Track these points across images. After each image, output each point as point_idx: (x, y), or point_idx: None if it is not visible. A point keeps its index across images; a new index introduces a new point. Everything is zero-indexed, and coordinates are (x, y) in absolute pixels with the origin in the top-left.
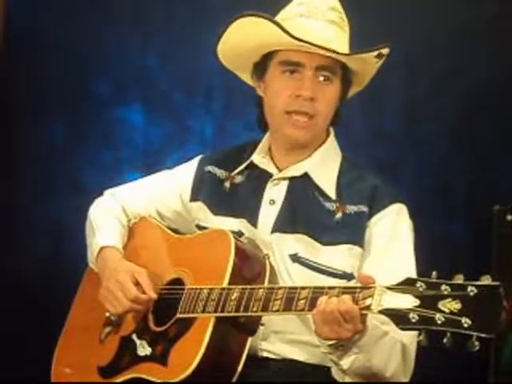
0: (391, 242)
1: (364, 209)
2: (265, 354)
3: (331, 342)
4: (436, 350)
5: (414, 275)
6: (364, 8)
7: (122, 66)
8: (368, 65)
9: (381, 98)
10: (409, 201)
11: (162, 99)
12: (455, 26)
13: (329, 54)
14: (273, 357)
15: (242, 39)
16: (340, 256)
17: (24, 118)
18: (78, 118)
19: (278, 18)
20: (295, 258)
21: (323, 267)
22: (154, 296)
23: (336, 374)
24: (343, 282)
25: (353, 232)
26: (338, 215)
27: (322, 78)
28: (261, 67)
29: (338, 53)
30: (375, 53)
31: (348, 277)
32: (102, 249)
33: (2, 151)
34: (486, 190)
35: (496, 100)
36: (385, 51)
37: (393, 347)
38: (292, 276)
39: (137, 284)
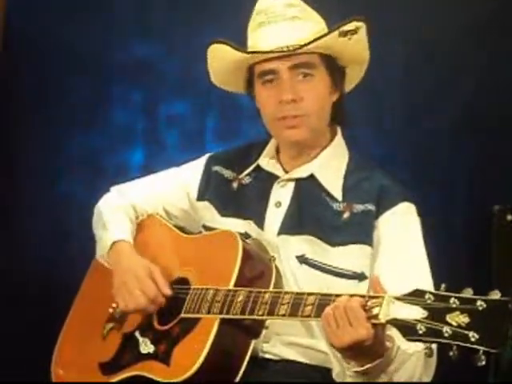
0: (403, 241)
1: (371, 207)
2: (266, 356)
3: (357, 369)
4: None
5: (428, 275)
6: (364, 7)
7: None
8: (342, 45)
9: (381, 98)
10: None
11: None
12: (456, 25)
13: (286, 52)
14: (273, 358)
15: (219, 64)
16: (350, 256)
17: (24, 117)
18: (78, 117)
19: (249, 30)
20: (302, 260)
21: (333, 268)
22: (170, 292)
23: (336, 376)
24: (354, 282)
25: (361, 231)
26: (346, 215)
27: (301, 76)
28: (249, 82)
29: (291, 49)
30: (335, 33)
31: (359, 277)
32: (114, 243)
33: (2, 151)
34: (486, 190)
35: (496, 100)
36: (349, 26)
37: (415, 364)
38: (298, 278)
39: (153, 281)
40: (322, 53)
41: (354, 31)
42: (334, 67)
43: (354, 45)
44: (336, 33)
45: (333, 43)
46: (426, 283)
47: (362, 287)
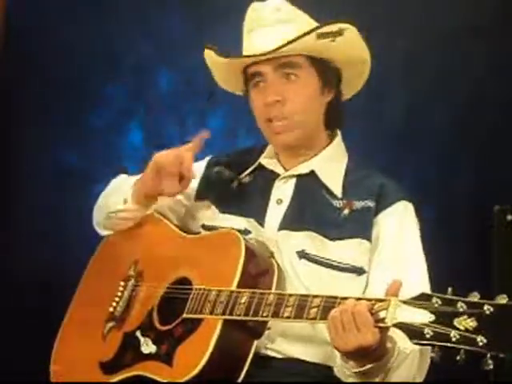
0: (400, 239)
1: (371, 204)
2: (268, 353)
3: (357, 370)
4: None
5: (425, 273)
6: (363, 8)
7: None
8: (323, 47)
9: (381, 98)
10: None
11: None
12: (455, 25)
13: (267, 55)
14: (276, 355)
15: (215, 67)
16: (349, 250)
17: (24, 118)
18: (78, 117)
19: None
20: (302, 254)
21: (332, 262)
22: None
23: (339, 374)
24: (353, 276)
25: (360, 226)
26: (346, 211)
27: (285, 77)
28: (246, 84)
29: (267, 52)
30: (312, 35)
31: (358, 270)
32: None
33: (2, 151)
34: (486, 190)
35: (496, 100)
36: (329, 28)
37: (412, 363)
38: (298, 273)
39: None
40: (307, 54)
41: (338, 33)
42: (325, 68)
43: (340, 46)
44: (313, 35)
45: (312, 45)
46: (423, 281)
47: (360, 281)
